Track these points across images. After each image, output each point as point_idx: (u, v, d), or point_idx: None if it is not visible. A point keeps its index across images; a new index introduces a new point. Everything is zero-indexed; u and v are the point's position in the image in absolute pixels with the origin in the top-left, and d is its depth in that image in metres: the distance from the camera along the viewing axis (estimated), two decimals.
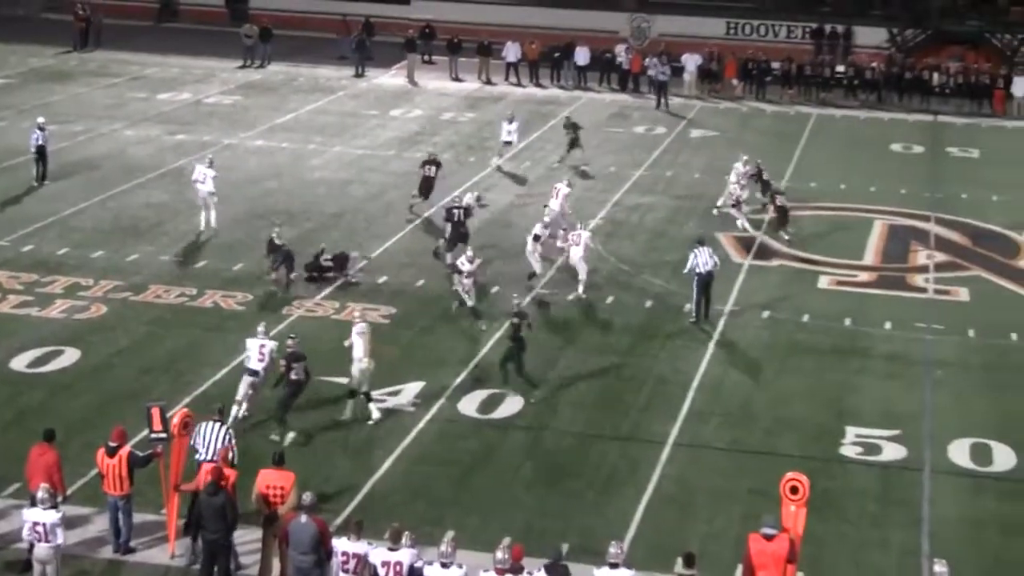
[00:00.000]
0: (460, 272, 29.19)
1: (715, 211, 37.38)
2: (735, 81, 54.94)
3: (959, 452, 23.93)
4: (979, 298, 31.91)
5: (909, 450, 23.91)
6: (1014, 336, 29.51)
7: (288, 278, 30.96)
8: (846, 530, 21.18)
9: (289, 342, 24.03)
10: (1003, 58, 57.98)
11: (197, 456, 20.13)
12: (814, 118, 51.34)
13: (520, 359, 25.88)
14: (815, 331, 29.57)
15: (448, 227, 32.81)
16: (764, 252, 34.63)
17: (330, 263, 31.29)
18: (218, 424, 20.43)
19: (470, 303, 29.06)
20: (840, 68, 55.99)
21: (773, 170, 39.18)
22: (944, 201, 39.62)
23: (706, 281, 29.66)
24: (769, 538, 17.63)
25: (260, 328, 24.56)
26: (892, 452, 23.87)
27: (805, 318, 30.20)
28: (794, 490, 18.15)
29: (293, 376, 23.56)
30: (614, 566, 17.31)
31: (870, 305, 31.24)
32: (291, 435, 23.25)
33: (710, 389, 26.36)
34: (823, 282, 32.70)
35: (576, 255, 30.99)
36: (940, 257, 34.80)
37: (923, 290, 32.50)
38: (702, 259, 29.58)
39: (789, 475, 18.31)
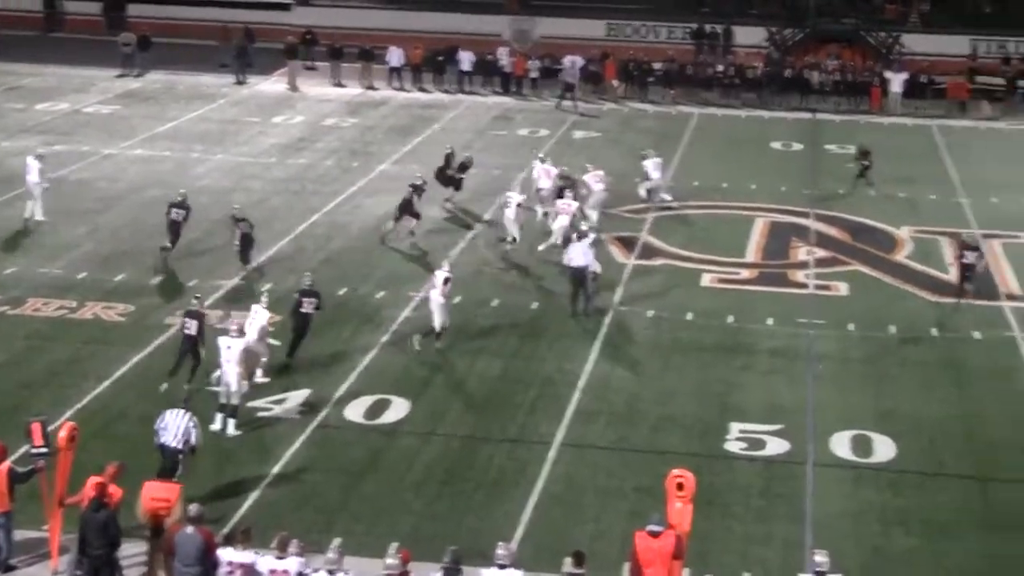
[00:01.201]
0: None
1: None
2: (615, 82, 55.31)
3: (840, 445, 24.28)
4: (858, 292, 32.38)
5: (792, 444, 24.20)
6: (893, 329, 30.00)
7: (247, 257, 31.86)
8: (731, 525, 21.39)
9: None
10: (878, 55, 58.96)
11: (160, 441, 20.82)
12: (696, 118, 51.88)
13: (299, 340, 26.75)
14: (699, 329, 29.85)
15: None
16: (648, 251, 34.90)
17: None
18: (182, 411, 21.00)
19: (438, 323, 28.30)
20: (720, 68, 56.64)
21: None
22: (823, 197, 40.18)
23: (578, 276, 29.95)
24: (655, 535, 17.76)
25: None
26: (775, 447, 24.16)
27: (689, 316, 30.48)
28: (680, 487, 18.32)
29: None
30: (502, 567, 17.35)
31: (752, 302, 31.59)
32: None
33: (596, 389, 26.51)
34: (706, 280, 33.02)
35: (564, 221, 33.29)
36: (820, 253, 35.28)
37: (804, 286, 32.94)
38: (575, 253, 29.93)
39: (675, 472, 18.47)
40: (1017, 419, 25.65)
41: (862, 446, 24.24)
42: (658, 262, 34.20)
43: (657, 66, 56.05)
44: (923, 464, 23.71)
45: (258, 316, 26.24)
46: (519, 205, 34.35)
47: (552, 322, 29.78)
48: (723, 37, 60.67)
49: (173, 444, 20.88)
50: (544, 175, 37.06)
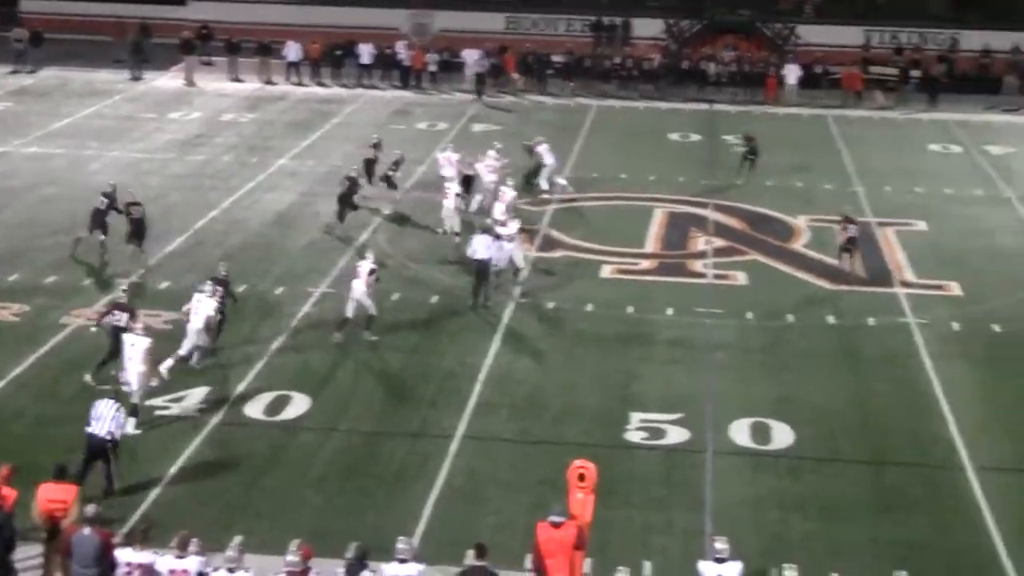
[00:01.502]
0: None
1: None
2: (515, 75, 55.41)
3: (740, 432, 24.53)
4: (756, 281, 32.72)
5: (692, 433, 24.42)
6: (790, 318, 30.35)
7: (138, 247, 31.79)
8: (632, 514, 21.53)
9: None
10: (774, 47, 59.56)
11: (89, 430, 21.02)
12: (594, 109, 52.15)
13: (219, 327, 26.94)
14: (599, 320, 30.01)
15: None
16: (548, 244, 35.03)
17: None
18: (112, 401, 21.31)
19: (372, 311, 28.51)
20: (618, 60, 56.94)
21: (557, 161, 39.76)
22: (721, 187, 40.54)
23: (481, 268, 30.03)
24: (557, 526, 17.88)
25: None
26: (675, 435, 24.35)
27: (589, 307, 30.64)
28: (581, 477, 18.44)
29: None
30: (403, 562, 17.36)
31: (652, 292, 31.81)
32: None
33: (497, 381, 26.57)
34: (605, 271, 33.20)
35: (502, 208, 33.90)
36: (718, 242, 35.61)
37: (702, 275, 33.22)
38: (477, 246, 30.11)
39: (576, 463, 18.58)
40: (910, 404, 26.07)
41: (760, 434, 24.50)
42: (558, 254, 34.33)
43: (556, 59, 56.30)
44: (820, 450, 24.02)
45: (203, 304, 26.33)
46: (457, 195, 34.79)
47: (453, 316, 29.79)
48: (621, 29, 60.94)
49: (101, 434, 21.05)
50: (447, 163, 37.38)
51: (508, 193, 34.97)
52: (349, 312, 28.11)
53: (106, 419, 21.11)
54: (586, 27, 61.34)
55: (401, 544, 17.53)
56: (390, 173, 37.85)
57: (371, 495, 21.97)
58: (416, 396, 25.80)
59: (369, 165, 38.45)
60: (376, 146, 39.29)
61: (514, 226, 31.62)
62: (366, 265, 28.34)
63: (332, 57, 56.14)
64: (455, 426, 24.49)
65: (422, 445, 23.80)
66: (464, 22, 60.64)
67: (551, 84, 55.45)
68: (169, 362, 25.52)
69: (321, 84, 55.49)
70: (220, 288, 27.05)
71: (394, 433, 24.23)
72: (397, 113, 50.50)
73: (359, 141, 43.24)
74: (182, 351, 25.99)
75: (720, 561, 17.72)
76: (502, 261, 30.91)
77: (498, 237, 30.71)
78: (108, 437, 21.12)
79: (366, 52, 55.85)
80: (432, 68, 55.65)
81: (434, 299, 30.80)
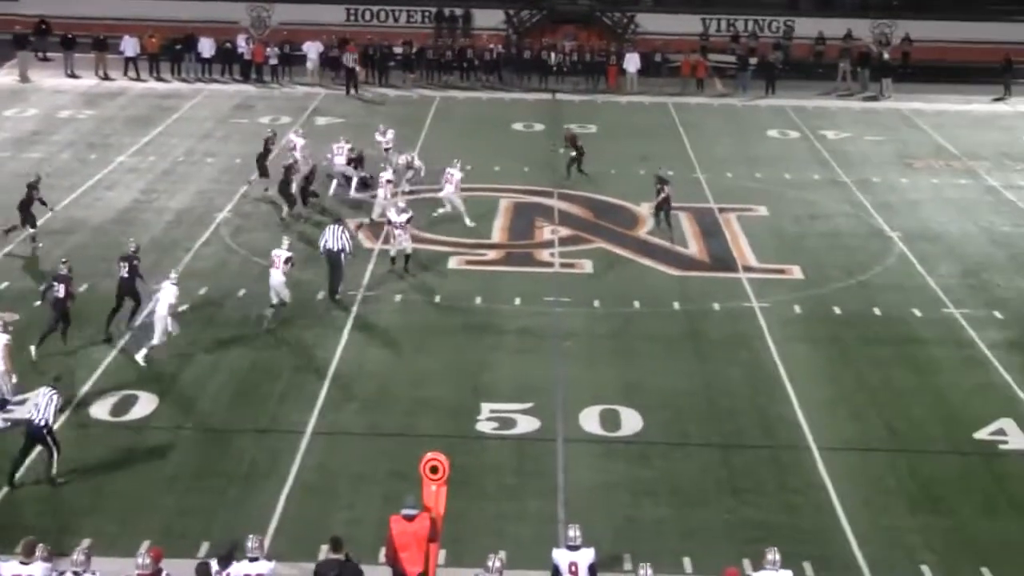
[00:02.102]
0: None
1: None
2: (358, 67, 55.13)
3: (590, 420, 24.73)
4: (602, 269, 32.98)
5: (542, 421, 24.55)
6: (637, 304, 30.65)
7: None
8: (485, 505, 21.60)
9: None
10: (614, 35, 60.06)
11: (28, 416, 21.60)
12: (437, 101, 52.12)
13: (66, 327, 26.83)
14: (448, 311, 30.04)
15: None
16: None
17: None
18: (50, 389, 21.81)
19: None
20: (460, 50, 56.96)
21: (398, 154, 39.63)
22: (565, 177, 40.69)
23: (332, 259, 29.96)
24: (410, 518, 17.87)
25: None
26: (526, 425, 24.48)
27: (437, 299, 30.65)
28: (434, 470, 18.42)
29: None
30: (253, 560, 17.22)
31: (500, 282, 31.92)
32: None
33: (347, 375, 26.45)
34: (453, 262, 33.21)
35: (449, 191, 35.43)
36: (564, 231, 35.83)
37: (549, 264, 33.40)
38: (329, 237, 30.09)
39: (429, 455, 18.56)
40: (756, 387, 26.50)
41: (610, 420, 24.73)
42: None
43: (397, 50, 56.17)
44: (669, 435, 24.32)
45: (165, 292, 26.59)
46: (389, 181, 35.53)
47: (301, 310, 29.54)
48: (462, 20, 60.99)
49: (37, 421, 21.46)
50: (338, 152, 38.14)
51: (456, 175, 35.93)
52: (273, 299, 28.45)
53: (42, 407, 21.47)
54: (427, 18, 61.27)
55: (251, 542, 17.40)
56: (363, 174, 38.21)
57: (222, 493, 21.74)
58: (265, 392, 25.57)
59: (262, 158, 38.07)
60: (270, 139, 38.99)
61: (404, 216, 31.79)
62: (282, 253, 28.61)
63: (171, 51, 55.32)
64: (305, 422, 24.32)
65: (272, 442, 23.60)
66: (304, 14, 60.16)
67: (392, 76, 55.31)
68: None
69: (160, 79, 54.66)
70: (64, 284, 26.63)
71: (244, 430, 24.00)
72: (239, 107, 49.97)
73: (200, 136, 42.77)
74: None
75: (573, 548, 17.88)
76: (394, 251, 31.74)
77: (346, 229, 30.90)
78: (43, 424, 21.45)
79: (206, 46, 55.16)
80: (273, 61, 55.17)
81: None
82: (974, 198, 40.32)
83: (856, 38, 59.31)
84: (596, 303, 30.62)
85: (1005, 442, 24.23)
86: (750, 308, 30.62)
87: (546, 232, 35.85)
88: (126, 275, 27.86)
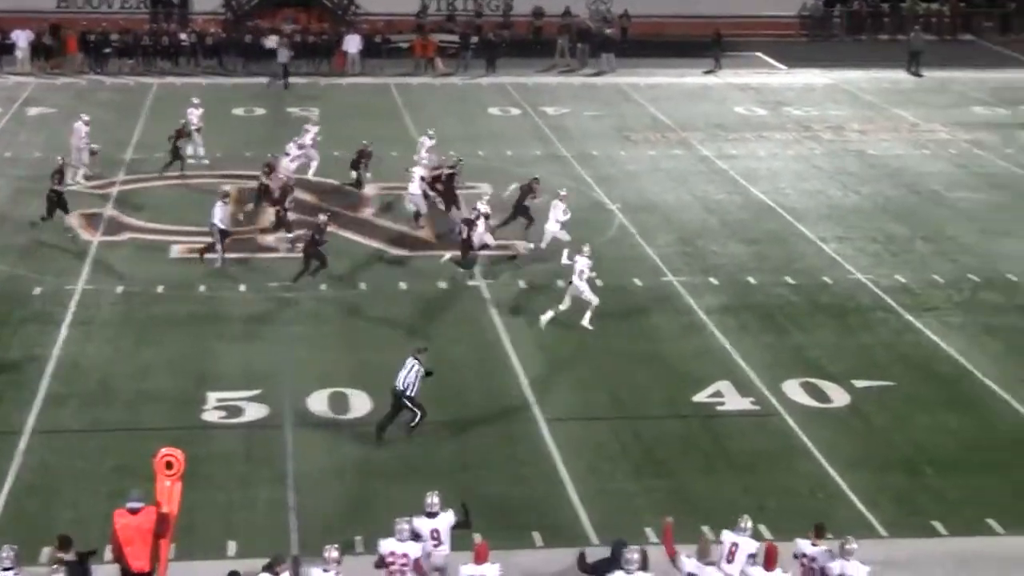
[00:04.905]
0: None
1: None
2: (79, 55, 53.73)
3: (318, 403, 24.67)
4: (327, 250, 32.64)
5: (271, 407, 24.36)
6: (363, 286, 30.68)
7: None
8: (214, 495, 21.33)
9: None
10: (335, 18, 59.77)
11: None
12: (155, 88, 51.12)
13: None
14: (171, 301, 29.55)
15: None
16: (113, 227, 34.23)
17: None
18: (412, 358, 23.04)
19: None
20: (182, 36, 55.92)
21: (117, 143, 38.83)
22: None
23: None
24: (134, 512, 17.52)
25: None
26: (254, 412, 24.29)
27: (160, 289, 30.13)
28: (169, 465, 18.04)
29: None
30: (7, 570, 16.67)
31: (224, 269, 31.46)
32: None
33: (66, 372, 25.81)
34: (175, 251, 32.70)
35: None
36: (289, 215, 35.46)
37: (275, 249, 33.12)
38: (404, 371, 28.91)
39: (164, 450, 18.11)
40: (483, 363, 26.84)
41: (339, 403, 24.71)
42: (124, 237, 33.60)
43: (114, 37, 54.81)
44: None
45: None
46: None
47: (16, 305, 28.72)
48: (180, 5, 59.91)
49: (400, 387, 22.92)
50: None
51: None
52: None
53: (403, 375, 22.91)
54: (143, 3, 59.96)
55: (3, 552, 16.79)
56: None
57: None
58: None
59: (175, 153, 37.83)
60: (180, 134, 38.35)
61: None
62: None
63: None
64: (24, 421, 23.64)
65: None
66: (13, 2, 58.12)
67: (110, 63, 54.03)
68: None
69: None
70: None
71: None
72: None
73: None
74: None
75: (432, 515, 18.37)
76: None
77: None
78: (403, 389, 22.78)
79: None
80: None
81: (37, 290, 29.68)
82: (688, 168, 41.50)
83: (574, 15, 60.24)
84: (323, 286, 30.49)
85: (722, 403, 25.04)
86: (476, 285, 30.90)
87: (272, 216, 35.45)
88: None
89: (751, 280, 31.45)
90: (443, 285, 30.80)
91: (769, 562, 17.37)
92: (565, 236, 31.68)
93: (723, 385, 25.68)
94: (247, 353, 27.03)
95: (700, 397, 25.37)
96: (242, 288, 30.27)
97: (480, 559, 17.65)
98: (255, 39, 55.95)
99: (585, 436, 23.83)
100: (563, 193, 32.97)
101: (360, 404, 24.70)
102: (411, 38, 57.00)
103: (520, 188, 33.91)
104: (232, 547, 19.85)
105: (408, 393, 23.04)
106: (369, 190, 37.66)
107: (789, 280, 31.54)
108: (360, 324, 28.71)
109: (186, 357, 26.70)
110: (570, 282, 28.46)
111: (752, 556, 17.65)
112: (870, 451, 23.56)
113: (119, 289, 30.00)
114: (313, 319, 28.85)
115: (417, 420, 23.18)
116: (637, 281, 31.41)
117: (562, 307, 28.32)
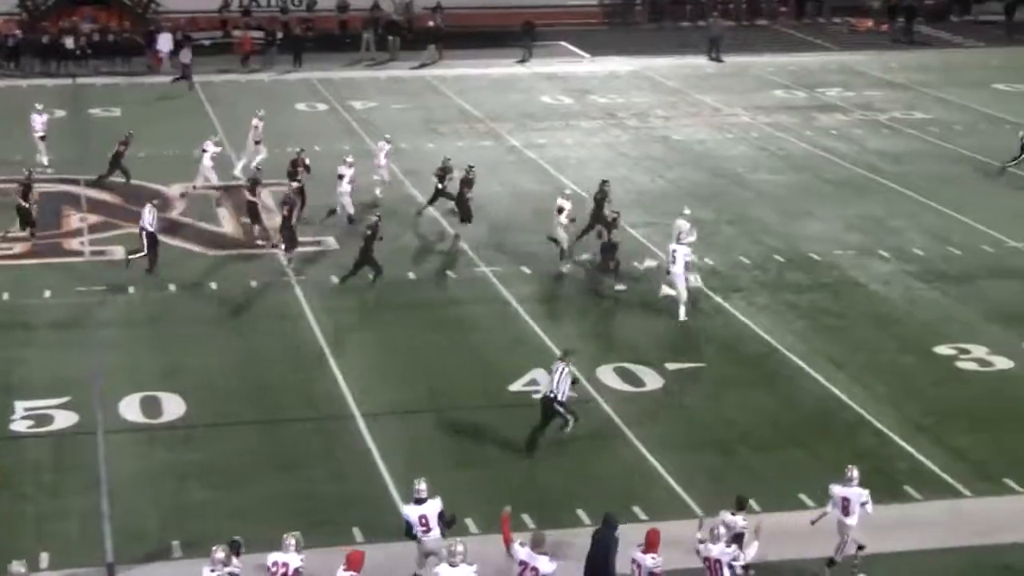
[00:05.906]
0: None
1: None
2: None
3: (130, 408, 24.30)
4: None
5: (81, 415, 23.87)
6: (173, 287, 30.25)
7: None
8: (23, 507, 20.92)
9: None
10: (135, 16, 58.72)
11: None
12: None
13: None
14: None
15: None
16: None
17: None
18: (561, 362, 23.02)
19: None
20: None
21: None
22: (94, 163, 39.36)
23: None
24: None
25: None
26: (64, 419, 23.86)
27: None
28: None
29: None
30: None
31: (27, 276, 30.95)
32: None
33: None
34: None
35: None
36: (93, 219, 34.97)
37: (80, 253, 32.52)
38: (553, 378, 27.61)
39: None
40: (298, 361, 26.69)
41: (151, 407, 24.37)
42: None
43: None
44: (212, 416, 24.16)
45: None
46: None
47: None
48: None
49: (548, 393, 22.91)
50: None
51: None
52: None
53: (555, 381, 22.79)
54: None
55: None
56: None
57: None
58: None
59: (116, 159, 37.13)
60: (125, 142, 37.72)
61: None
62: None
63: None
64: None
65: None
66: None
67: None
68: None
69: None
70: None
71: None
72: None
73: None
74: None
75: (420, 502, 18.49)
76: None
77: None
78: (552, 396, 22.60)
79: None
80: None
81: None
82: (497, 159, 41.70)
83: (381, 8, 60.05)
84: (131, 289, 30.02)
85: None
86: (288, 283, 30.70)
87: (75, 220, 34.87)
88: None
89: (563, 269, 31.71)
90: (255, 284, 30.51)
91: (649, 546, 17.59)
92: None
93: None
94: (55, 360, 26.48)
95: (516, 386, 25.53)
96: (47, 294, 29.64)
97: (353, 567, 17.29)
98: (52, 39, 54.69)
99: (403, 431, 23.85)
100: (349, 160, 34.76)
101: (173, 407, 24.38)
102: (216, 35, 56.25)
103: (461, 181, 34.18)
104: (45, 559, 19.43)
105: (559, 398, 22.72)
106: (176, 190, 37.11)
107: None
108: (171, 326, 28.33)
109: None
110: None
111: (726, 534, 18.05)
112: (684, 432, 23.98)
113: None
114: (123, 323, 28.38)
115: (571, 425, 22.91)
116: (451, 273, 31.52)
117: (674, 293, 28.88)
